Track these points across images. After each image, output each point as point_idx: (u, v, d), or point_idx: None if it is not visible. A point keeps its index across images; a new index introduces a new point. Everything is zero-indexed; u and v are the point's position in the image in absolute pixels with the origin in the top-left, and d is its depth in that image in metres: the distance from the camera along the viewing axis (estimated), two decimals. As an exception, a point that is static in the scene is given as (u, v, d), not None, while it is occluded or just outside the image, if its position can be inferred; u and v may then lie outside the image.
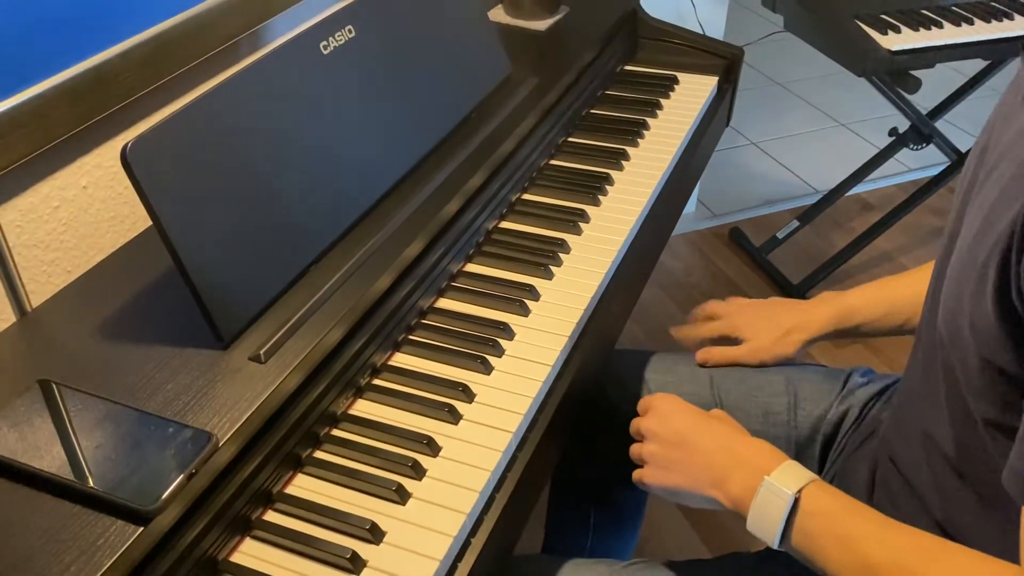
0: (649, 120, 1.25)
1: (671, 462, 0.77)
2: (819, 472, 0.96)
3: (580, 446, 0.80)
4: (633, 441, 0.82)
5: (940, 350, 0.68)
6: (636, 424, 0.82)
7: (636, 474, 0.81)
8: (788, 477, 0.69)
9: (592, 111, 1.27)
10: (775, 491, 0.68)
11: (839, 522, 0.66)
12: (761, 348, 0.98)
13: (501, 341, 0.87)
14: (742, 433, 0.76)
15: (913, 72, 1.79)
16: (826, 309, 0.98)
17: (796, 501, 0.67)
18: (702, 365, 1.01)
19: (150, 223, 0.73)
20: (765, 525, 0.68)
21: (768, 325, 0.99)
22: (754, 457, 0.72)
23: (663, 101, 1.30)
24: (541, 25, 1.31)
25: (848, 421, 0.95)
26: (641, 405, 0.83)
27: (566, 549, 1.21)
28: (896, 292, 0.95)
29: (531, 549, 1.32)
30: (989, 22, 1.80)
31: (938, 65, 1.82)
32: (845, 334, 0.98)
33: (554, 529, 1.23)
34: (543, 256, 0.98)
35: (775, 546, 0.69)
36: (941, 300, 0.68)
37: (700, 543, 1.58)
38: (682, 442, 0.76)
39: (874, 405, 0.95)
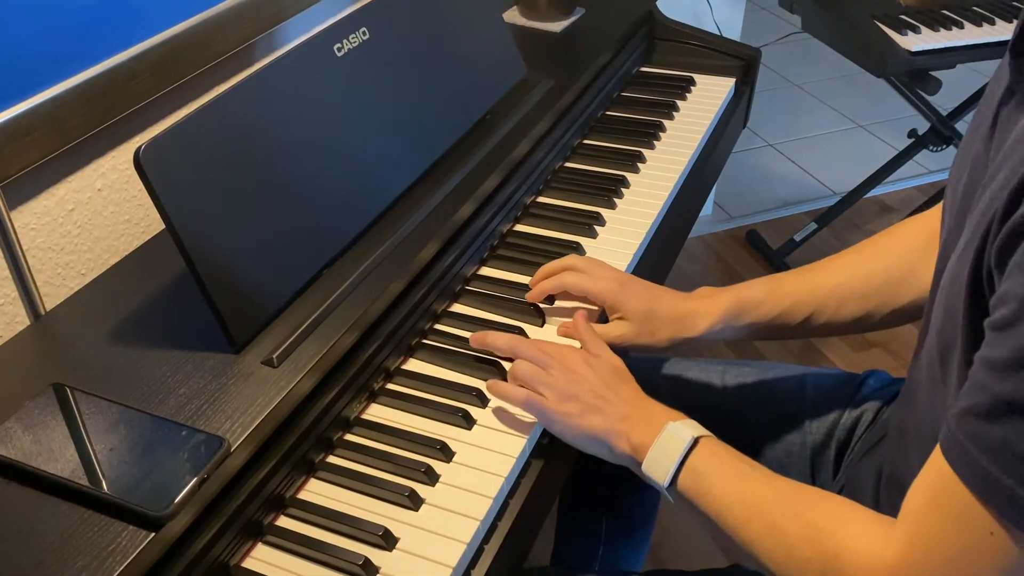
0: (665, 122, 1.24)
1: (590, 406, 0.76)
2: (832, 477, 0.95)
3: (591, 455, 0.80)
4: None
5: (943, 355, 0.67)
6: (559, 360, 0.79)
7: (537, 400, 0.77)
8: (689, 427, 0.74)
9: (608, 113, 1.27)
10: (676, 434, 0.73)
11: (729, 464, 0.72)
12: (626, 336, 0.87)
13: (515, 345, 0.86)
14: (651, 399, 0.79)
15: (933, 73, 1.77)
16: (714, 304, 0.87)
17: (694, 443, 0.72)
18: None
19: (164, 226, 0.73)
20: (661, 464, 0.72)
21: (645, 312, 0.87)
22: (661, 414, 0.76)
23: (679, 103, 1.29)
24: (556, 27, 1.31)
25: (862, 425, 0.94)
26: (560, 348, 0.81)
27: (577, 558, 1.20)
28: (798, 285, 0.88)
29: (539, 558, 1.31)
30: (1011, 22, 1.78)
31: (958, 65, 1.80)
32: (735, 333, 0.89)
33: (564, 538, 1.22)
34: (558, 259, 0.97)
35: (665, 485, 0.72)
36: (933, 314, 0.67)
37: (716, 548, 1.57)
38: (606, 392, 0.77)
39: (887, 409, 0.93)
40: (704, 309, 0.87)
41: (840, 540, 0.62)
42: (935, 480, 0.58)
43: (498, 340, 0.83)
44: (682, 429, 0.73)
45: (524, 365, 0.79)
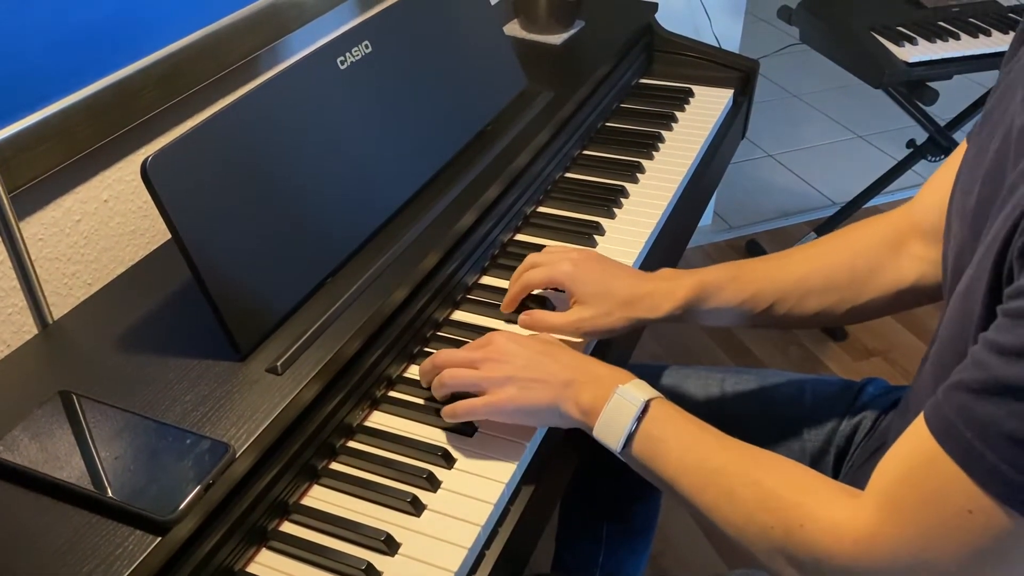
0: (664, 133, 1.25)
1: (531, 380, 0.76)
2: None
3: (592, 460, 0.80)
4: None
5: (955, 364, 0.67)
6: (485, 350, 0.78)
7: (479, 401, 0.76)
8: (639, 389, 0.73)
9: (607, 124, 1.28)
10: (627, 397, 0.72)
11: (682, 428, 0.72)
12: (584, 320, 0.85)
13: (516, 353, 0.87)
14: (594, 359, 0.79)
15: (930, 83, 1.78)
16: (677, 286, 0.86)
17: (646, 407, 0.72)
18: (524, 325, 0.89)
19: (169, 236, 0.74)
20: (613, 429, 0.72)
21: (599, 292, 0.85)
22: (608, 374, 0.75)
23: (678, 114, 1.30)
24: (556, 39, 1.32)
25: (861, 433, 0.95)
26: (482, 339, 0.80)
27: (578, 564, 1.20)
28: (762, 273, 0.88)
29: (541, 564, 1.31)
30: (1007, 33, 1.80)
31: (955, 76, 1.81)
32: (696, 318, 0.88)
33: (566, 544, 1.22)
34: (558, 268, 0.98)
35: (618, 449, 0.72)
36: (944, 326, 0.67)
37: (716, 556, 1.57)
38: (542, 360, 0.77)
39: (886, 416, 0.94)
40: (665, 291, 0.86)
41: (806, 510, 0.62)
42: (915, 451, 0.57)
43: (426, 373, 0.81)
44: (632, 392, 0.72)
45: (451, 372, 0.78)
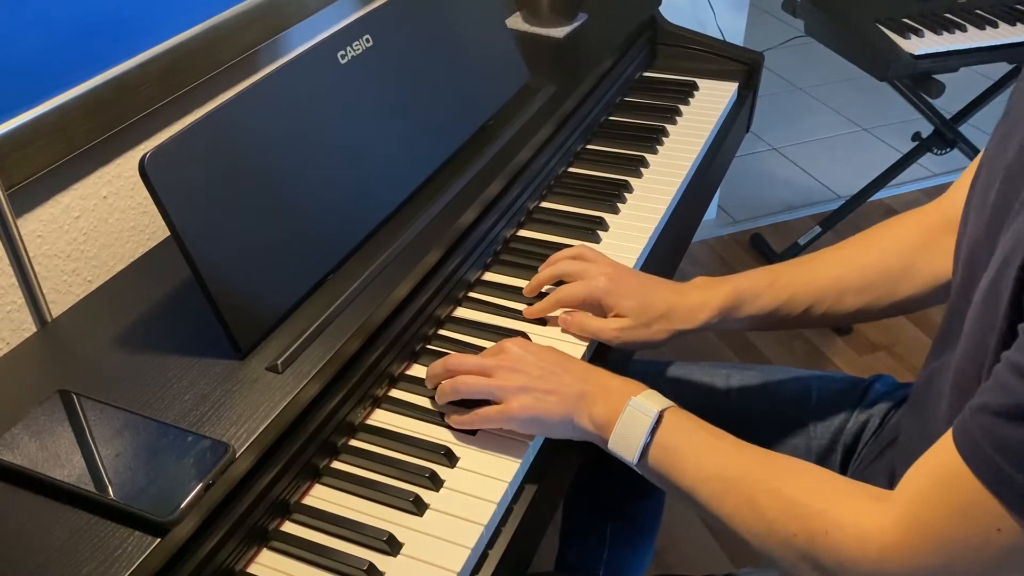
0: (668, 126, 1.24)
1: (546, 391, 0.75)
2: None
3: (596, 459, 0.79)
4: None
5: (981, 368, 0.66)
6: (498, 358, 0.77)
7: (493, 410, 0.75)
8: (652, 400, 0.73)
9: (611, 118, 1.27)
10: (641, 409, 0.72)
11: (698, 437, 0.71)
12: (625, 329, 0.86)
13: (519, 350, 0.86)
14: (604, 370, 0.78)
15: (936, 76, 1.77)
16: (711, 296, 0.87)
17: (660, 417, 0.71)
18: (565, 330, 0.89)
19: (169, 233, 0.73)
20: (628, 441, 0.72)
21: (638, 306, 0.86)
22: (620, 386, 0.75)
23: (682, 107, 1.29)
24: (559, 32, 1.31)
25: (868, 431, 0.94)
26: (494, 348, 0.80)
27: (582, 562, 1.20)
28: (797, 277, 0.88)
29: (544, 563, 1.31)
30: (1014, 25, 1.78)
31: (961, 68, 1.80)
32: (732, 324, 0.89)
33: (569, 542, 1.22)
34: (561, 264, 0.97)
35: (634, 462, 0.72)
36: (967, 328, 0.66)
37: (721, 553, 1.56)
38: (555, 371, 0.76)
39: (894, 414, 0.93)
40: (701, 301, 0.86)
41: (830, 517, 0.62)
42: (943, 467, 0.57)
43: (436, 376, 0.79)
44: (645, 403, 0.72)
45: (464, 379, 0.77)
